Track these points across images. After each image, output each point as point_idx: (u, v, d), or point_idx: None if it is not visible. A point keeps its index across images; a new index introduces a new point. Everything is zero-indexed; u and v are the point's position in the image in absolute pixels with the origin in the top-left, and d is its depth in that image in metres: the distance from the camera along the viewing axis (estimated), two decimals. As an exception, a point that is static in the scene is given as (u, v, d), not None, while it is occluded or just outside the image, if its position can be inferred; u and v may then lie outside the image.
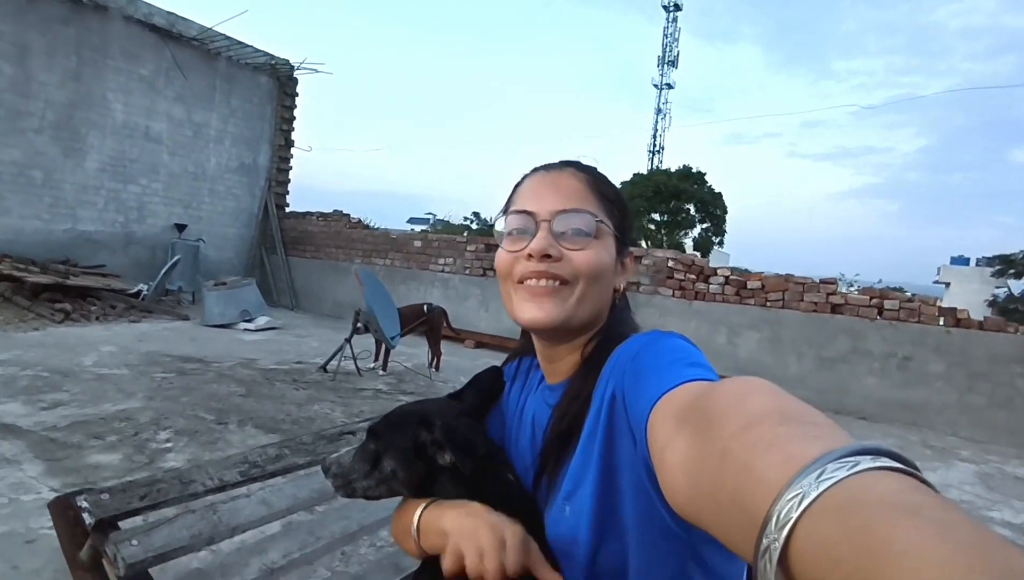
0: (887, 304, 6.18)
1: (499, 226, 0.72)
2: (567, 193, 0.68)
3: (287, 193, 11.87)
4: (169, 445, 3.35)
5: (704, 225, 31.37)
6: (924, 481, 0.29)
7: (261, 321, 8.05)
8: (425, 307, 6.24)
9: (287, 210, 11.79)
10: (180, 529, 1.38)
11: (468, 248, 9.15)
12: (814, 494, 0.28)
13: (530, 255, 0.66)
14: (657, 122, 44.66)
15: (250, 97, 11.16)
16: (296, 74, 11.63)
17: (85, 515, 1.33)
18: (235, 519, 1.48)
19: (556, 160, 0.75)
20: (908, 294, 6.92)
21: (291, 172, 11.88)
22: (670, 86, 45.03)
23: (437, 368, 6.25)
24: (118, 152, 9.45)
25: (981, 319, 5.97)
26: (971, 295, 34.64)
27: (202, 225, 10.56)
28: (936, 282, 40.71)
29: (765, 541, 0.29)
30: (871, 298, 6.30)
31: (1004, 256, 35.18)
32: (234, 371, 5.36)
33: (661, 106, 44.90)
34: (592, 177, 0.71)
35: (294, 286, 10.89)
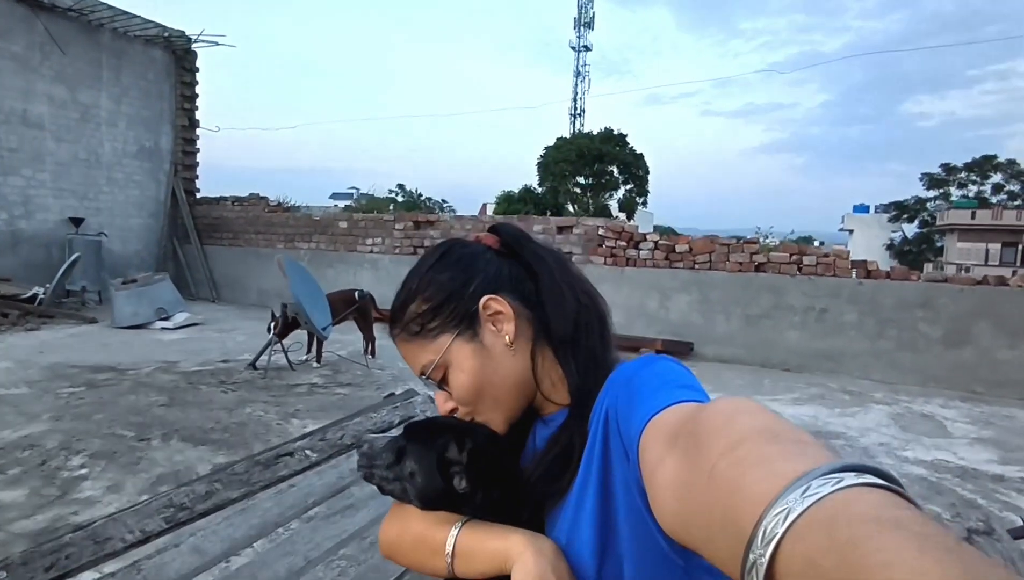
0: (805, 260, 6.51)
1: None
2: (409, 360, 0.71)
3: (196, 177, 11.07)
4: (84, 471, 3.07)
5: (628, 186, 32.02)
6: (906, 496, 0.30)
7: (179, 318, 7.54)
8: (356, 294, 6.02)
9: (198, 196, 11.01)
10: (98, 599, 1.23)
11: (396, 226, 8.89)
12: (799, 510, 0.29)
13: (443, 409, 0.73)
14: (577, 85, 44.80)
15: (143, 74, 10.22)
16: (194, 47, 10.72)
17: (-21, 600, 1.15)
18: (162, 575, 1.34)
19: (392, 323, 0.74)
20: (820, 246, 7.30)
21: (199, 155, 11.07)
22: (587, 48, 45.14)
23: (373, 354, 6.08)
24: (-8, 141, 8.46)
25: (889, 269, 6.40)
26: (872, 240, 37.50)
27: (102, 217, 9.69)
28: (841, 229, 43.71)
29: (752, 556, 0.30)
30: (791, 255, 6.61)
31: (898, 202, 38.20)
32: (153, 378, 4.99)
33: (580, 69, 45.01)
34: (400, 328, 0.71)
35: (213, 277, 10.26)
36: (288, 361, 5.50)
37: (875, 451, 3.96)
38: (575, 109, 44.39)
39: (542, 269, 0.70)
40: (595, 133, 32.24)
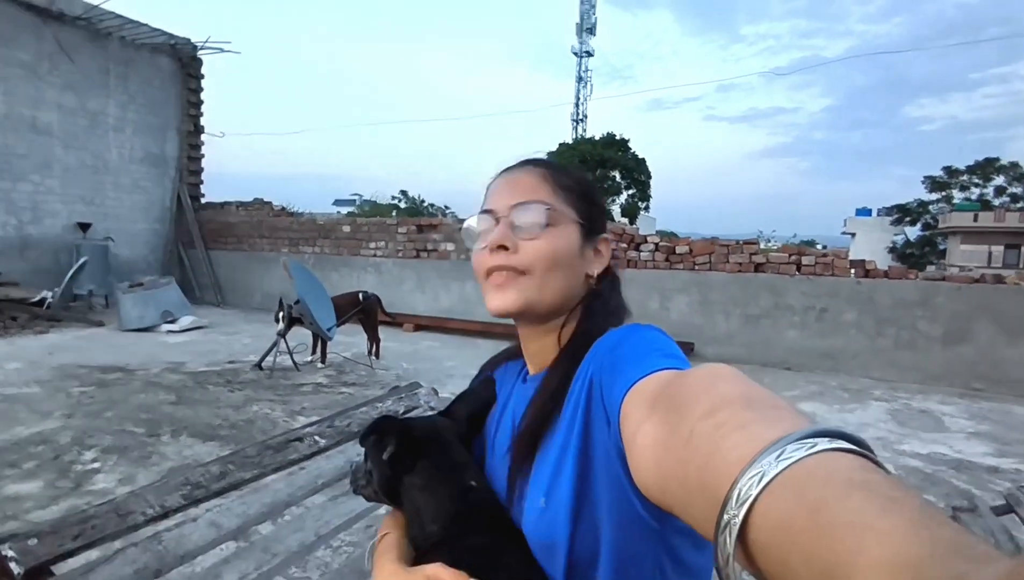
0: (804, 260, 6.57)
1: (470, 227, 0.75)
2: (522, 188, 0.71)
3: (201, 183, 11.20)
4: (96, 465, 3.15)
5: (630, 191, 32.11)
6: (876, 461, 0.31)
7: (185, 321, 7.63)
8: (360, 295, 6.10)
9: (203, 201, 11.13)
10: (123, 566, 1.30)
11: (399, 230, 8.98)
12: (773, 472, 0.30)
13: (491, 249, 0.70)
14: (579, 91, 44.96)
15: (150, 81, 10.37)
16: (200, 54, 10.88)
17: (12, 565, 1.22)
18: (182, 547, 1.41)
19: (518, 160, 0.77)
20: (822, 249, 7.35)
21: (204, 160, 11.21)
22: (590, 54, 45.32)
23: (377, 355, 6.15)
24: (2, 147, 8.59)
25: (887, 268, 6.45)
26: (875, 243, 37.44)
27: (109, 222, 9.82)
28: (844, 233, 43.62)
29: (726, 517, 0.31)
30: (790, 255, 6.67)
31: (901, 206, 38.18)
32: (161, 377, 5.08)
33: (582, 74, 45.17)
34: (548, 170, 0.73)
35: (218, 281, 10.37)
36: (293, 362, 5.57)
37: (871, 445, 4.01)
38: (577, 114, 44.54)
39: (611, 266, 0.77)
40: (597, 138, 32.37)
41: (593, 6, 44.98)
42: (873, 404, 5.13)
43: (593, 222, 0.73)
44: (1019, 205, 34.03)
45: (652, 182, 32.15)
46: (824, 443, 0.31)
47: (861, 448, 0.31)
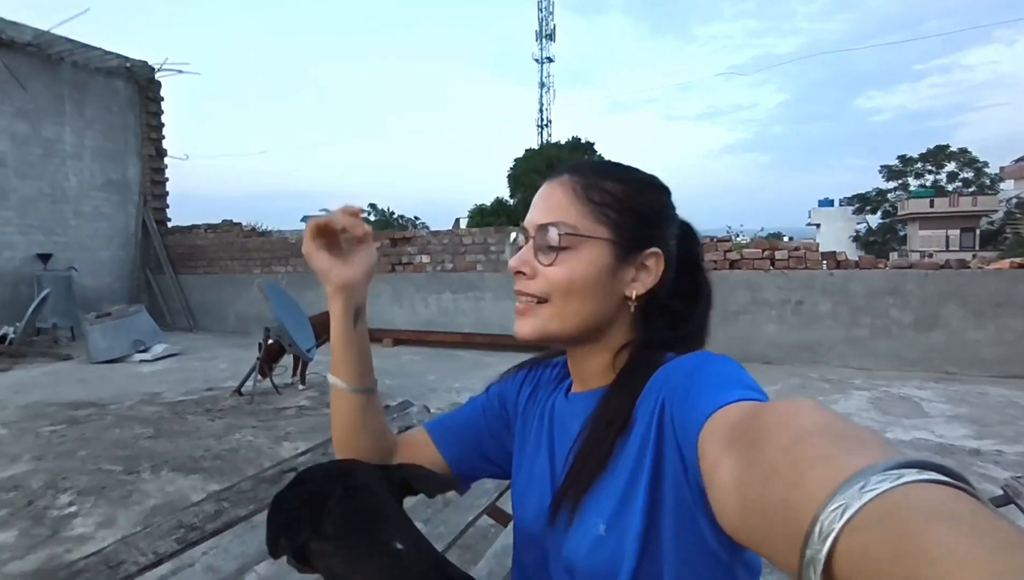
0: (778, 254, 6.69)
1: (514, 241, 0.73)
2: (549, 205, 0.68)
3: (167, 207, 10.93)
4: (73, 509, 3.01)
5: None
6: (969, 491, 0.29)
7: (158, 349, 7.41)
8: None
9: (169, 225, 10.86)
10: (118, 622, 1.23)
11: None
12: (856, 505, 0.29)
13: (513, 272, 0.69)
14: (542, 96, 45.27)
15: (107, 106, 10.09)
16: (158, 76, 10.65)
17: (-1, 630, 1.15)
18: (180, 595, 1.35)
19: (564, 165, 0.72)
20: (794, 243, 7.49)
21: (168, 184, 10.95)
22: (550, 60, 45.69)
23: None
24: (-47, 180, 8.26)
25: (857, 259, 6.60)
26: (838, 232, 38.50)
27: (71, 252, 9.50)
28: (809, 224, 44.71)
29: (809, 552, 0.30)
30: (763, 250, 6.78)
31: (861, 195, 39.37)
32: (137, 410, 4.91)
33: (544, 80, 45.51)
34: (584, 180, 0.67)
35: (189, 306, 10.11)
36: (274, 385, 5.45)
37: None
38: (542, 120, 44.82)
39: (701, 278, 0.72)
40: (563, 143, 32.64)
41: (551, 13, 45.42)
42: (855, 393, 5.23)
43: (636, 236, 0.67)
44: (971, 190, 35.35)
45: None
46: (912, 474, 0.29)
47: (953, 478, 0.30)
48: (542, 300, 0.66)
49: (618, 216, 0.66)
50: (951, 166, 36.79)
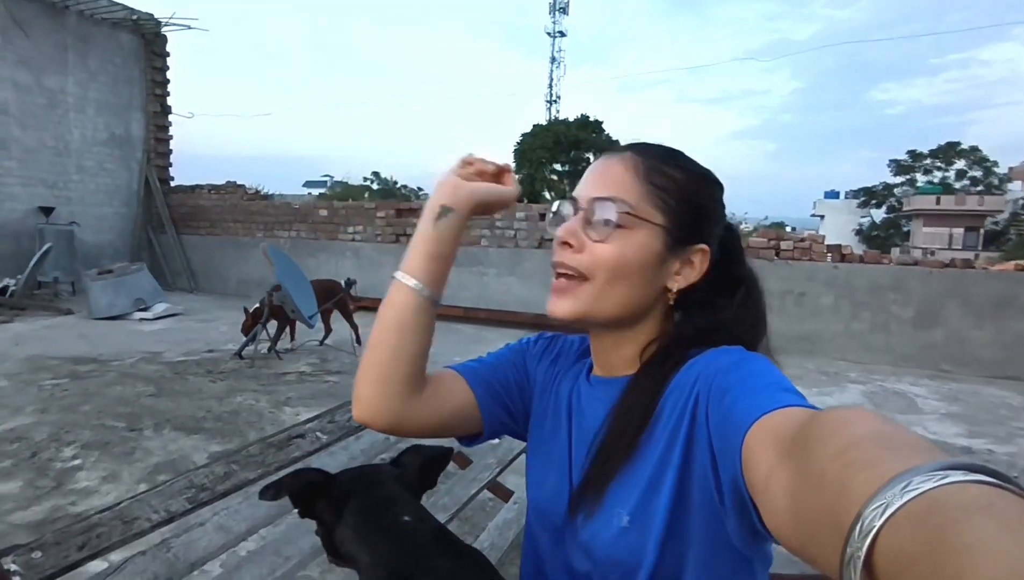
0: (783, 245, 6.68)
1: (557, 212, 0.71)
2: (609, 180, 0.66)
3: (170, 165, 10.82)
4: (78, 462, 3.05)
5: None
6: (1019, 492, 0.28)
7: (159, 308, 7.43)
8: (344, 282, 5.98)
9: (172, 184, 10.78)
10: (132, 576, 1.26)
11: (378, 214, 8.84)
12: (897, 504, 0.29)
13: (558, 243, 0.67)
14: (552, 71, 44.64)
15: (111, 58, 9.93)
16: (164, 31, 10.44)
17: (17, 579, 1.17)
18: (192, 553, 1.37)
19: (627, 143, 0.71)
20: (800, 234, 7.47)
21: (171, 142, 10.82)
22: (562, 34, 44.93)
23: (359, 341, 6.07)
24: (-45, 127, 8.17)
25: (862, 253, 6.60)
26: (842, 225, 38.37)
27: (73, 206, 9.44)
28: (813, 215, 44.58)
29: (849, 550, 0.30)
30: (769, 240, 6.77)
31: (867, 188, 39.13)
32: (138, 368, 4.93)
33: (555, 55, 44.82)
34: (645, 161, 0.66)
35: (191, 267, 10.09)
36: (276, 351, 5.47)
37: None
38: (551, 95, 44.26)
39: (744, 271, 0.71)
40: (571, 120, 32.28)
41: (567, -15, 44.51)
42: (850, 387, 5.28)
43: (688, 229, 0.65)
44: (978, 189, 35.15)
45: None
46: (957, 475, 0.29)
47: (1000, 479, 0.29)
48: (583, 277, 0.64)
49: (676, 205, 0.65)
50: (960, 164, 36.50)
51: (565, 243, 0.65)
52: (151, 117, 10.44)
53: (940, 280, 6.04)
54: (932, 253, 29.02)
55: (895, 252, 32.18)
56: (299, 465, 1.84)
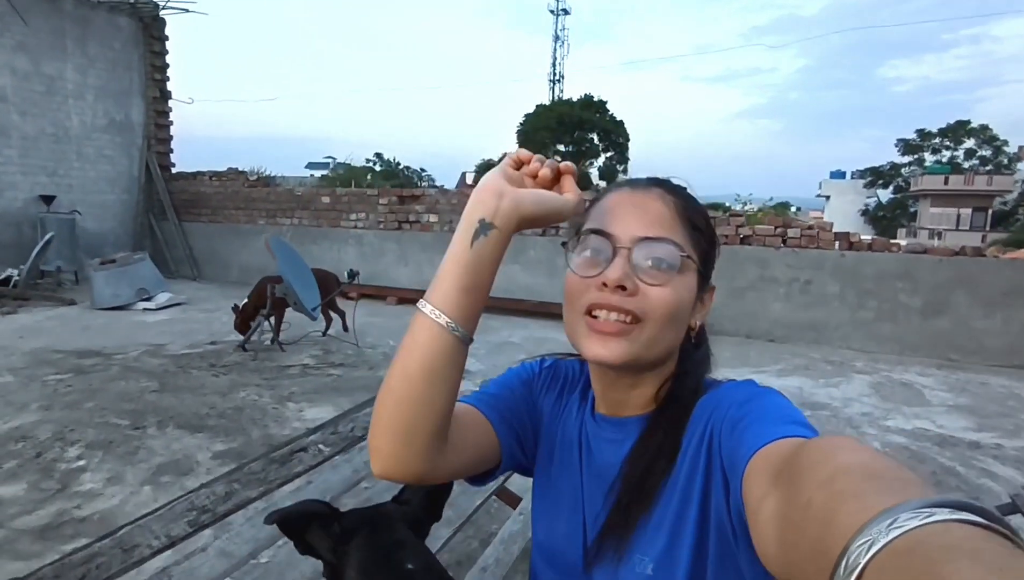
0: (790, 232, 6.60)
1: (571, 245, 0.66)
2: (653, 218, 0.63)
3: (171, 151, 10.74)
4: (82, 463, 3.05)
5: (608, 154, 31.87)
6: (1005, 532, 0.28)
7: (162, 298, 7.42)
8: (347, 273, 5.94)
9: (174, 171, 10.70)
10: (133, 608, 1.24)
11: (380, 201, 8.77)
12: (883, 541, 0.29)
13: (604, 284, 0.61)
14: (556, 50, 44.03)
15: (110, 43, 9.80)
16: (163, 14, 10.29)
17: (16, 615, 1.16)
18: (193, 580, 1.36)
19: (643, 177, 0.69)
20: (807, 221, 7.39)
21: (172, 127, 10.73)
22: (566, 12, 44.27)
23: (344, 329, 6.03)
24: (-47, 116, 8.09)
25: (870, 241, 6.52)
26: (848, 206, 38.04)
27: (74, 194, 9.39)
28: (818, 195, 44.18)
29: None
30: (776, 227, 6.69)
31: (874, 168, 38.71)
32: (141, 362, 4.93)
33: (559, 33, 44.19)
34: (682, 201, 0.65)
35: (193, 254, 10.06)
36: (279, 343, 5.46)
37: (859, 421, 4.11)
38: (554, 75, 43.74)
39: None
40: (575, 100, 31.90)
41: (571, -39, 43.68)
42: (856, 377, 5.24)
43: (709, 269, 0.67)
44: (987, 168, 34.73)
45: (630, 144, 31.97)
46: (943, 513, 0.29)
47: (987, 518, 0.29)
48: (636, 320, 0.61)
49: (707, 246, 0.66)
50: (970, 143, 36.02)
51: (621, 286, 0.60)
52: (151, 103, 10.34)
53: (949, 268, 5.97)
54: (939, 234, 28.77)
55: (901, 233, 31.93)
56: (302, 480, 1.82)
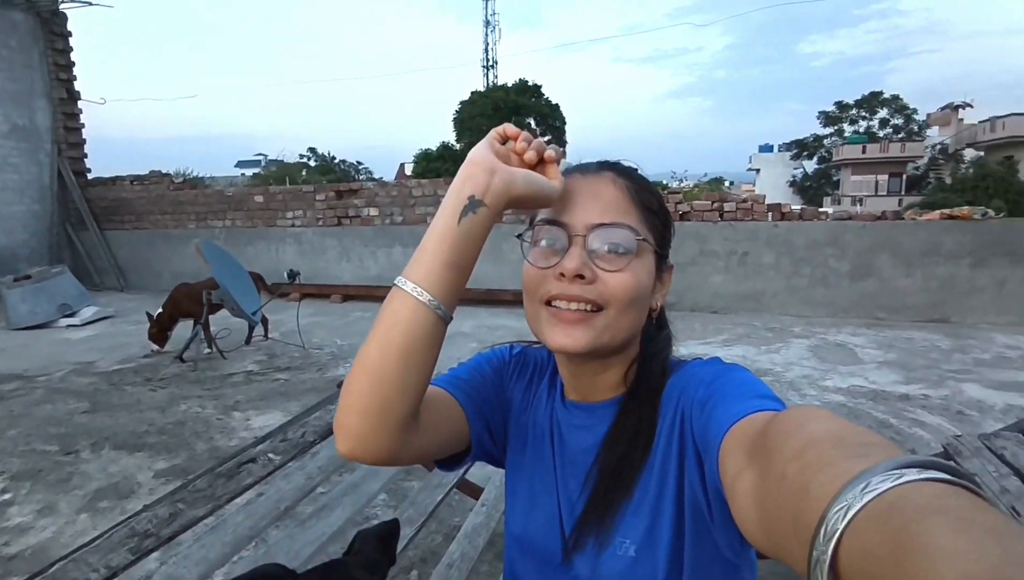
0: (726, 207, 6.81)
1: (526, 236, 0.65)
2: (606, 203, 0.62)
3: (85, 156, 10.04)
4: (8, 496, 2.83)
5: (546, 137, 31.79)
6: (970, 487, 0.30)
7: (87, 313, 6.96)
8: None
9: (90, 177, 10.02)
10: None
11: (318, 198, 8.50)
12: (858, 505, 0.30)
13: (562, 274, 0.60)
14: (487, 35, 43.67)
15: (5, 41, 9.02)
16: (63, 8, 9.55)
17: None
18: (140, 612, 1.27)
19: (593, 161, 0.67)
20: (742, 195, 7.63)
21: (84, 130, 10.02)
22: (492, -5, 43.83)
23: (267, 336, 5.83)
24: None
25: (800, 211, 6.80)
26: (777, 178, 39.71)
27: (-23, 207, 8.66)
28: (749, 169, 45.86)
29: (815, 553, 0.31)
30: (712, 202, 6.89)
31: (799, 141, 40.49)
32: (69, 382, 4.62)
33: (490, 18, 43.81)
34: (634, 184, 0.65)
35: (118, 264, 9.49)
36: (219, 350, 5.23)
37: (800, 383, 4.30)
38: (487, 61, 43.38)
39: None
40: (510, 85, 31.79)
41: (497, -55, 43.22)
42: (795, 342, 5.48)
43: (665, 249, 0.67)
44: (900, 136, 36.86)
45: (567, 128, 32.15)
46: (912, 474, 0.30)
47: (952, 474, 0.30)
48: (598, 308, 0.60)
49: (661, 226, 0.66)
50: (883, 112, 38.11)
51: (579, 275, 0.59)
52: (57, 105, 9.61)
53: (873, 233, 6.31)
54: (861, 201, 30.45)
55: (827, 201, 33.59)
56: (253, 492, 1.74)
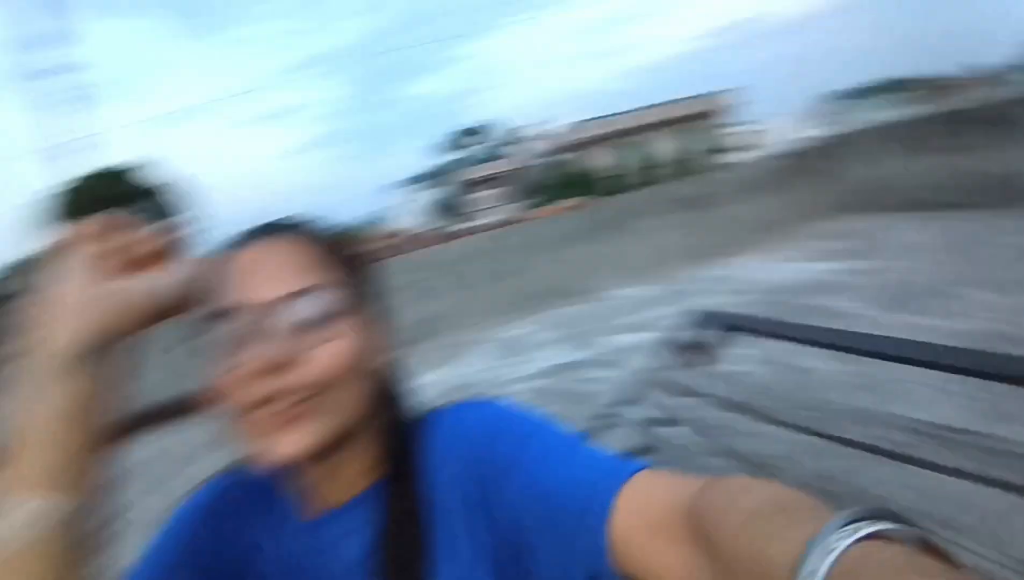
0: (377, 246, 6.93)
1: (200, 343, 0.50)
2: (284, 270, 0.50)
3: None
4: None
5: (173, 215, 28.42)
6: (923, 537, 0.30)
7: None
8: None
9: None
10: None
11: None
12: (824, 570, 0.29)
13: (259, 370, 0.47)
14: (70, 116, 36.39)
15: None
16: None
17: None
18: None
19: (257, 225, 0.54)
20: (385, 230, 7.88)
21: None
22: (69, 70, 36.86)
23: None
24: None
25: (438, 233, 7.37)
26: (415, 209, 43.28)
27: None
28: (387, 208, 48.85)
29: None
30: (384, 239, 6.93)
31: (425, 173, 44.98)
32: None
33: (69, 95, 36.57)
34: (314, 236, 0.54)
35: None
36: None
37: (482, 385, 4.59)
38: (71, 147, 36.21)
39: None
40: (119, 168, 27.25)
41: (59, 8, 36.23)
42: (475, 349, 5.87)
43: (374, 297, 0.56)
44: (496, 158, 44.13)
45: (195, 199, 29.13)
46: (864, 526, 0.30)
47: (896, 520, 0.31)
48: (314, 393, 0.48)
49: (359, 273, 0.55)
50: (480, 139, 45.04)
51: (279, 365, 0.47)
52: None
53: (506, 236, 7.21)
54: (489, 212, 35.39)
55: (456, 220, 38.04)
56: None
